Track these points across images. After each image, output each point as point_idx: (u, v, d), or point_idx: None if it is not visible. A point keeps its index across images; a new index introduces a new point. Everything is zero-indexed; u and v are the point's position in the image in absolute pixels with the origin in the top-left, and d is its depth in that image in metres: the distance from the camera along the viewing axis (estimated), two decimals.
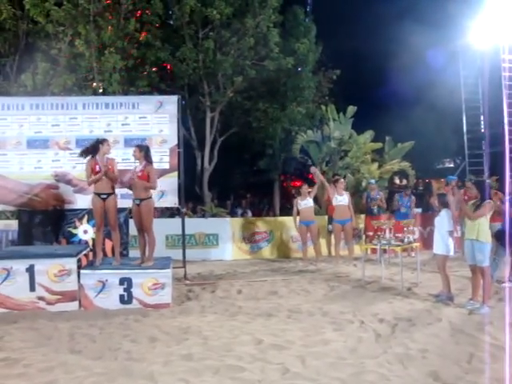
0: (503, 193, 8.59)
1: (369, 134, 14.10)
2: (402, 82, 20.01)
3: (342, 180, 10.70)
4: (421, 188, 19.52)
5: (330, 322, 5.97)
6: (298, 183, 24.55)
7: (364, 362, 4.60)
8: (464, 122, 15.94)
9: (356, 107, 14.32)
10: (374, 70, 20.88)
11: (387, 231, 8.50)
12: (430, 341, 5.18)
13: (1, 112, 8.61)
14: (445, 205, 7.18)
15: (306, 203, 10.16)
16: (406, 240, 8.31)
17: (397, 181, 15.55)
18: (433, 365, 4.51)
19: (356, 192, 13.22)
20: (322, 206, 12.89)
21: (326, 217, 11.66)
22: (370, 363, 4.56)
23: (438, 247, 7.09)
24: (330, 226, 11.39)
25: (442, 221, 7.06)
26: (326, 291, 7.76)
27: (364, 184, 12.91)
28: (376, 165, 13.76)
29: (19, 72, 13.40)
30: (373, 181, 11.88)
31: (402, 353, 4.81)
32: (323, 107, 15.00)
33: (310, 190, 10.39)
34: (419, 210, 11.66)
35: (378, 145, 14.24)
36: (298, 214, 10.24)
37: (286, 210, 17.14)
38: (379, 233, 8.65)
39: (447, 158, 25.10)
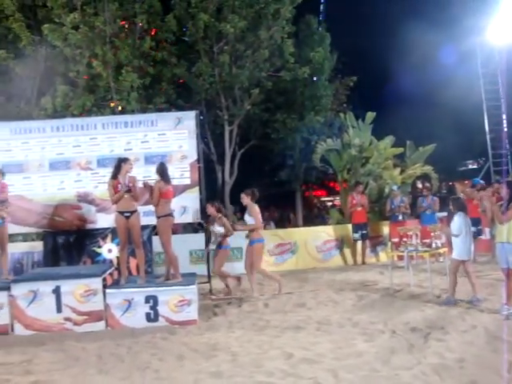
0: None
1: (389, 140, 13.93)
2: (419, 84, 19.85)
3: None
4: (444, 191, 19.21)
5: (360, 332, 5.83)
6: (319, 192, 24.56)
7: (398, 373, 4.46)
8: (486, 121, 15.64)
9: (375, 113, 14.19)
10: (390, 74, 20.75)
11: (414, 237, 8.32)
12: (466, 349, 5.02)
13: (23, 136, 8.79)
14: (460, 208, 7.04)
15: (218, 230, 8.62)
16: (433, 245, 8.15)
17: (419, 185, 15.33)
18: (471, 374, 4.35)
19: (379, 198, 13.07)
20: (346, 213, 12.77)
21: (350, 225, 11.55)
22: (405, 375, 4.41)
23: (458, 251, 6.94)
24: (355, 235, 11.30)
25: (455, 225, 6.94)
26: (354, 301, 7.62)
27: (387, 190, 12.74)
28: (398, 170, 13.58)
29: (39, 96, 13.62)
30: (395, 187, 11.73)
31: (437, 363, 4.65)
32: (341, 115, 14.91)
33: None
34: (444, 214, 11.44)
35: (399, 150, 14.06)
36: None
37: (310, 219, 17.07)
38: (405, 239, 8.49)
39: (470, 159, 24.73)
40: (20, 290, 6.62)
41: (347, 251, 11.65)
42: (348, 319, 6.46)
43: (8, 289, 6.68)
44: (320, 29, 17.35)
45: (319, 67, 15.59)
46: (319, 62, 15.31)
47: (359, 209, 11.43)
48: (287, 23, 14.33)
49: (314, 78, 16.04)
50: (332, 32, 16.94)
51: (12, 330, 6.61)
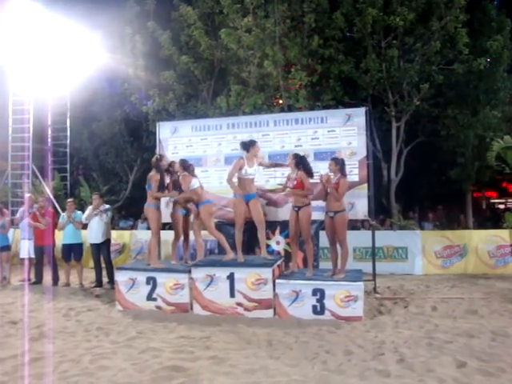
0: None
1: None
2: None
3: None
4: None
5: None
6: (490, 193, 22.74)
7: None
8: None
9: None
10: None
11: None
12: None
13: (203, 132, 9.56)
14: None
15: None
16: None
17: None
18: None
19: None
20: None
21: None
22: None
23: None
24: None
25: None
26: None
27: None
28: None
29: (214, 95, 14.72)
30: None
31: None
32: None
33: None
34: None
35: None
36: None
37: (480, 222, 15.89)
38: None
39: None
40: (199, 273, 7.28)
41: None
42: None
43: (189, 272, 7.40)
44: (498, 15, 15.96)
45: (497, 57, 14.40)
46: (497, 51, 14.08)
47: None
48: (461, 11, 13.45)
49: (491, 70, 14.84)
50: None
51: (191, 308, 7.31)
